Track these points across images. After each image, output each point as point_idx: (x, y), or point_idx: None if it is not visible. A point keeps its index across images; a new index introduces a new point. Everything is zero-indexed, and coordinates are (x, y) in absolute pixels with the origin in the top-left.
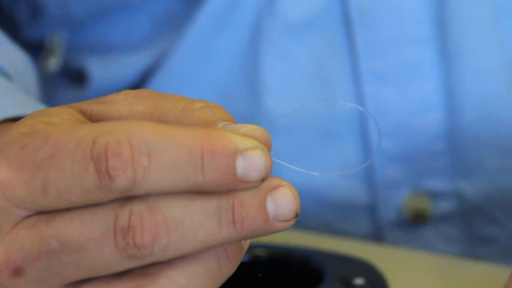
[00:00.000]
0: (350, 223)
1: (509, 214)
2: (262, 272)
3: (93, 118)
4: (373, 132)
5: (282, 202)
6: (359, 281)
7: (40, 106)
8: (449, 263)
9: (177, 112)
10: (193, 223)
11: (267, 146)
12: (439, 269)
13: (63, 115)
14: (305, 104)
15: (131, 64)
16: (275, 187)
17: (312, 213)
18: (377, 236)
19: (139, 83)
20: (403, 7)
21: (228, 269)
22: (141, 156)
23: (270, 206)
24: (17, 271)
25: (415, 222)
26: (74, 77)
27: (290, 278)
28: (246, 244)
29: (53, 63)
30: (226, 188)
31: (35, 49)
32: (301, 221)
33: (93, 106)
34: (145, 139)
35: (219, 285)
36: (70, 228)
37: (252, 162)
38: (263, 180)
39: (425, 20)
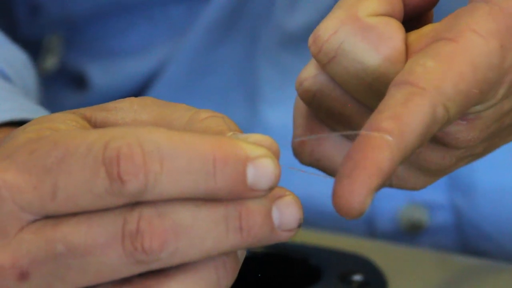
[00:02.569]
0: (346, 233)
1: (504, 233)
2: (260, 269)
3: (97, 125)
4: None
5: (287, 211)
6: (358, 277)
7: (38, 109)
8: (448, 260)
9: (183, 122)
10: (201, 229)
11: (276, 155)
12: (438, 266)
13: (67, 121)
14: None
15: (130, 69)
16: (280, 197)
17: (309, 223)
18: None
19: (140, 91)
20: None
21: (226, 281)
22: (153, 161)
23: (276, 215)
24: (23, 275)
25: (411, 233)
26: (74, 80)
27: (289, 274)
28: (242, 257)
29: (51, 62)
30: (235, 195)
31: (33, 48)
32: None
33: (97, 113)
34: (157, 145)
35: None
36: (77, 232)
37: (262, 170)
38: (271, 188)
39: None
